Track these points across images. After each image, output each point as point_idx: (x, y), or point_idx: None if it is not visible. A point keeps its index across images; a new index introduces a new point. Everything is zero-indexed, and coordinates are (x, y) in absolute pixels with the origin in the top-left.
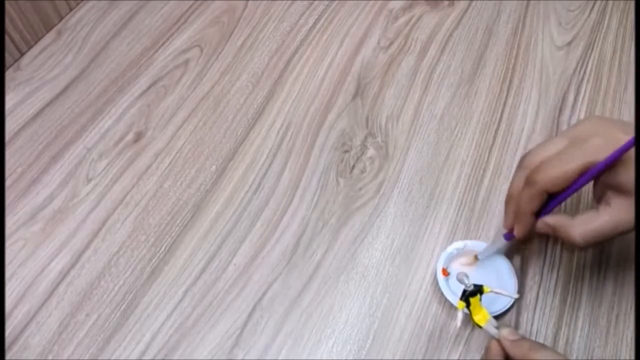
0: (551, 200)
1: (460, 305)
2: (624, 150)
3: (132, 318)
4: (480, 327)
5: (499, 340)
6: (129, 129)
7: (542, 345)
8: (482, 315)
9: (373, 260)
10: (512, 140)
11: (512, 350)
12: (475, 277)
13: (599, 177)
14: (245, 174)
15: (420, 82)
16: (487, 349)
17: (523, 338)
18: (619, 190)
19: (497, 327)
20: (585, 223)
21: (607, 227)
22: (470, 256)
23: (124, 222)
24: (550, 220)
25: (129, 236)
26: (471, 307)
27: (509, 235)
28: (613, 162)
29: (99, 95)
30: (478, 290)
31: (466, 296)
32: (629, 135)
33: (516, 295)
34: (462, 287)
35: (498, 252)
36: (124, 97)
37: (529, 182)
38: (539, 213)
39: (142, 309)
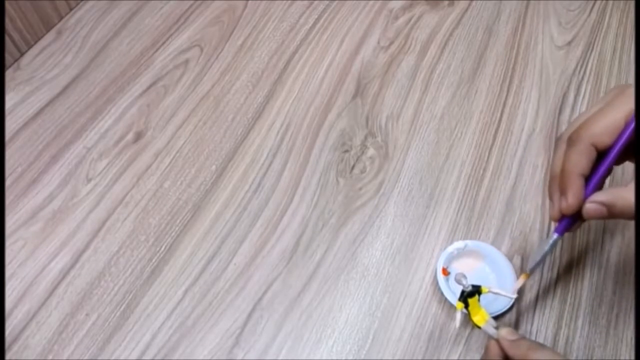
0: (598, 166)
1: (459, 305)
2: None
3: (132, 318)
4: (479, 327)
5: (498, 341)
6: (128, 129)
7: (541, 345)
8: (481, 315)
9: (373, 260)
10: (512, 140)
11: (511, 351)
12: (475, 277)
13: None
14: (245, 173)
15: (420, 81)
16: (486, 349)
17: (522, 338)
18: None
19: (496, 327)
20: None
21: None
22: (521, 276)
23: (124, 222)
24: (602, 196)
25: (128, 236)
26: (470, 308)
27: (561, 227)
28: None
29: (98, 95)
30: (476, 290)
31: (464, 297)
32: None
33: (514, 296)
34: (458, 273)
35: (546, 255)
36: (124, 97)
37: (573, 140)
38: (587, 181)
39: (142, 309)
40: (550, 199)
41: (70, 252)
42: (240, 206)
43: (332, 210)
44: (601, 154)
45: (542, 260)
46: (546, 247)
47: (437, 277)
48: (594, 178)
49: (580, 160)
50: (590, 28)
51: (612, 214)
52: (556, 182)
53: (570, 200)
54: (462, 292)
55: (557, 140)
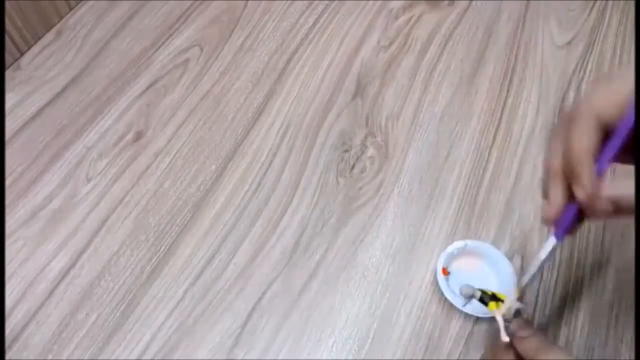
0: (605, 147)
1: (492, 306)
2: None
3: (132, 318)
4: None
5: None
6: (128, 129)
7: (553, 345)
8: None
9: (373, 260)
10: (512, 140)
11: (521, 346)
12: (475, 278)
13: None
14: (245, 173)
15: (421, 81)
16: (497, 345)
17: (534, 335)
18: None
19: (509, 321)
20: None
21: None
22: (512, 292)
23: (123, 221)
24: (610, 191)
25: (128, 236)
26: (489, 307)
27: (560, 232)
28: None
29: (98, 94)
30: (495, 298)
31: (485, 302)
32: None
33: (521, 305)
34: (462, 286)
35: (544, 265)
36: (124, 97)
37: (572, 118)
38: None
39: (142, 309)
40: (546, 196)
41: (70, 251)
42: (240, 206)
43: (332, 210)
44: (607, 137)
45: (541, 271)
46: (543, 256)
47: (437, 277)
48: (602, 159)
49: (586, 137)
50: (590, 28)
51: (617, 212)
52: (555, 175)
53: (586, 183)
54: (482, 299)
55: (553, 129)
